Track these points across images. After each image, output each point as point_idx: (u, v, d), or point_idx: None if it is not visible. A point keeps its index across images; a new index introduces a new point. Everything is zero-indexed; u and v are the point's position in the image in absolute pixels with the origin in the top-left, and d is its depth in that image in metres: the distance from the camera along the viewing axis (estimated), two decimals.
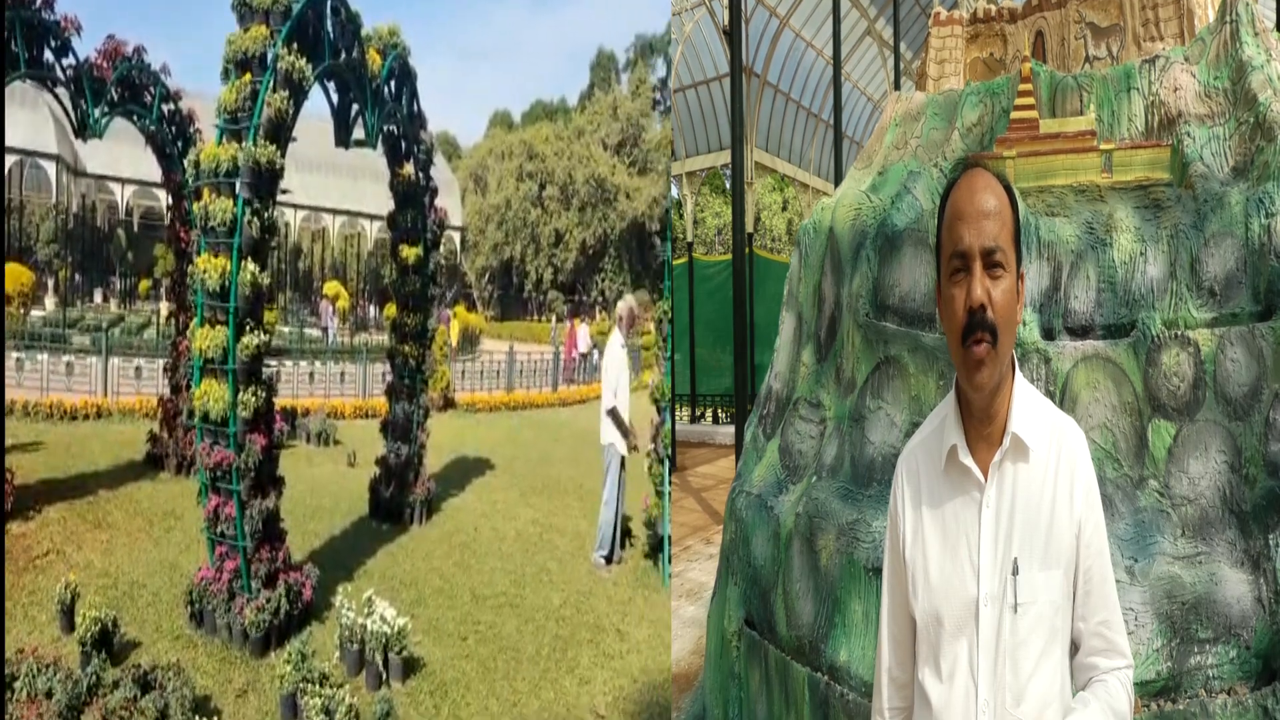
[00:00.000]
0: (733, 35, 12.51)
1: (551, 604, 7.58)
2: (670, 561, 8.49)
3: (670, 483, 8.49)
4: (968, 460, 2.05)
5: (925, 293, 4.07)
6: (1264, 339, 3.48)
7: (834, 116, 16.98)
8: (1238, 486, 3.42)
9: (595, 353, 24.99)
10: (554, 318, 42.54)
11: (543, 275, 48.05)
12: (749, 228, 20.99)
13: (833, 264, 4.58)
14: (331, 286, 31.65)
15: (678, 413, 21.46)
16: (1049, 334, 3.81)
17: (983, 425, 2.05)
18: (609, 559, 8.47)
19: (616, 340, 8.62)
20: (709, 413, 23.21)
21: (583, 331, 26.36)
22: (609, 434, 8.45)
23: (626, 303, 8.73)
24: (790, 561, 4.11)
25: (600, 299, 47.40)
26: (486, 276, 48.78)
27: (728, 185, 33.61)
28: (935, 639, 2.06)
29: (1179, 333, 3.62)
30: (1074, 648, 2.08)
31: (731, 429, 17.55)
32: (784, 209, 37.09)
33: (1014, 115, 4.25)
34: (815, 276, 4.74)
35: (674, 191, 24.28)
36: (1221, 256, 3.64)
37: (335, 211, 34.69)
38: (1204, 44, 4.18)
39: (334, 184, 33.44)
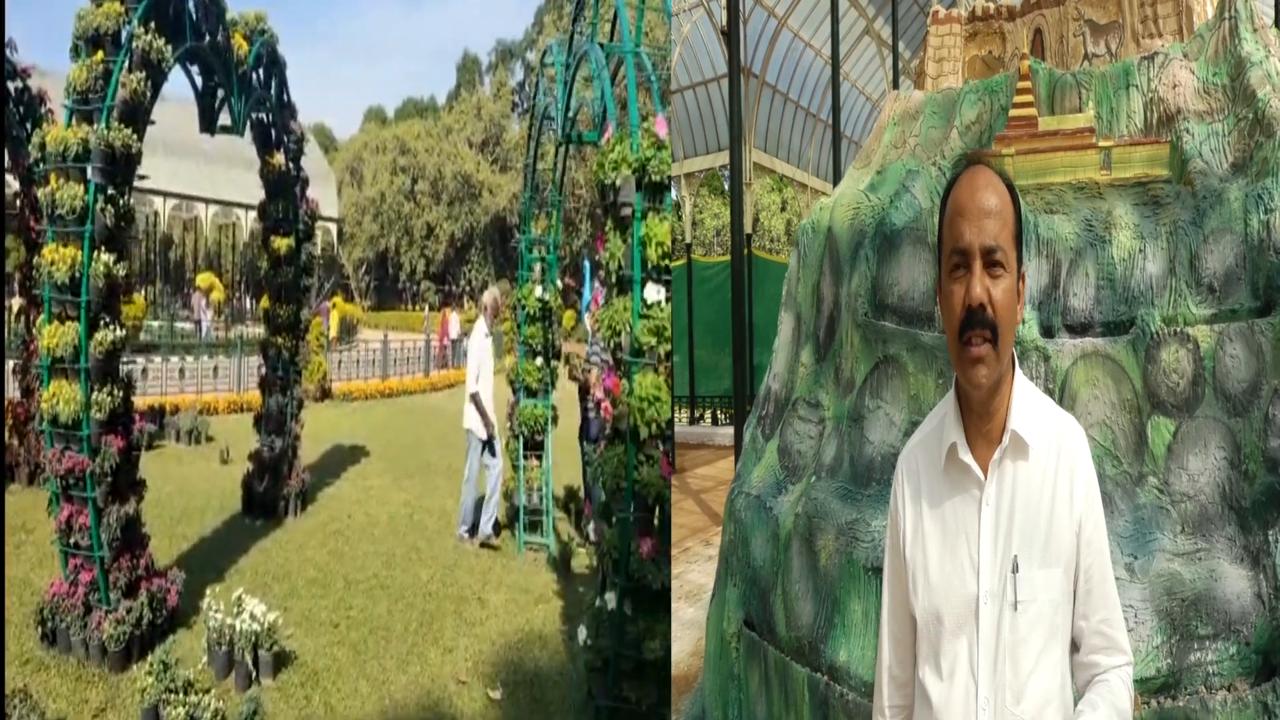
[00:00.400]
0: (731, 36, 12.50)
1: (420, 581, 7.95)
2: (525, 530, 9.11)
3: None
4: (967, 458, 2.05)
5: (924, 292, 4.07)
6: (1263, 335, 3.48)
7: (832, 116, 16.98)
8: (1237, 483, 3.42)
9: (465, 339, 25.66)
10: (426, 307, 43.67)
11: (415, 266, 49.81)
12: (747, 228, 21.02)
13: (831, 264, 4.57)
14: (205, 278, 30.99)
15: (676, 414, 21.44)
16: (1048, 331, 3.81)
17: (982, 423, 2.05)
18: (472, 533, 9.04)
19: (481, 329, 9.15)
20: (708, 414, 23.20)
21: (453, 319, 27.82)
22: (471, 419, 8.89)
23: (491, 293, 9.24)
24: (789, 562, 4.10)
25: (468, 288, 49.16)
26: (363, 267, 50.68)
27: (726, 186, 33.62)
28: (935, 637, 2.06)
29: (1178, 329, 3.61)
30: (1074, 645, 2.09)
31: (730, 430, 17.54)
32: (783, 209, 37.12)
33: (1013, 113, 4.24)
34: (814, 276, 4.73)
35: (673, 193, 24.27)
36: (1221, 253, 3.64)
37: (208, 200, 33.07)
38: (1203, 40, 4.18)
39: (207, 172, 31.88)
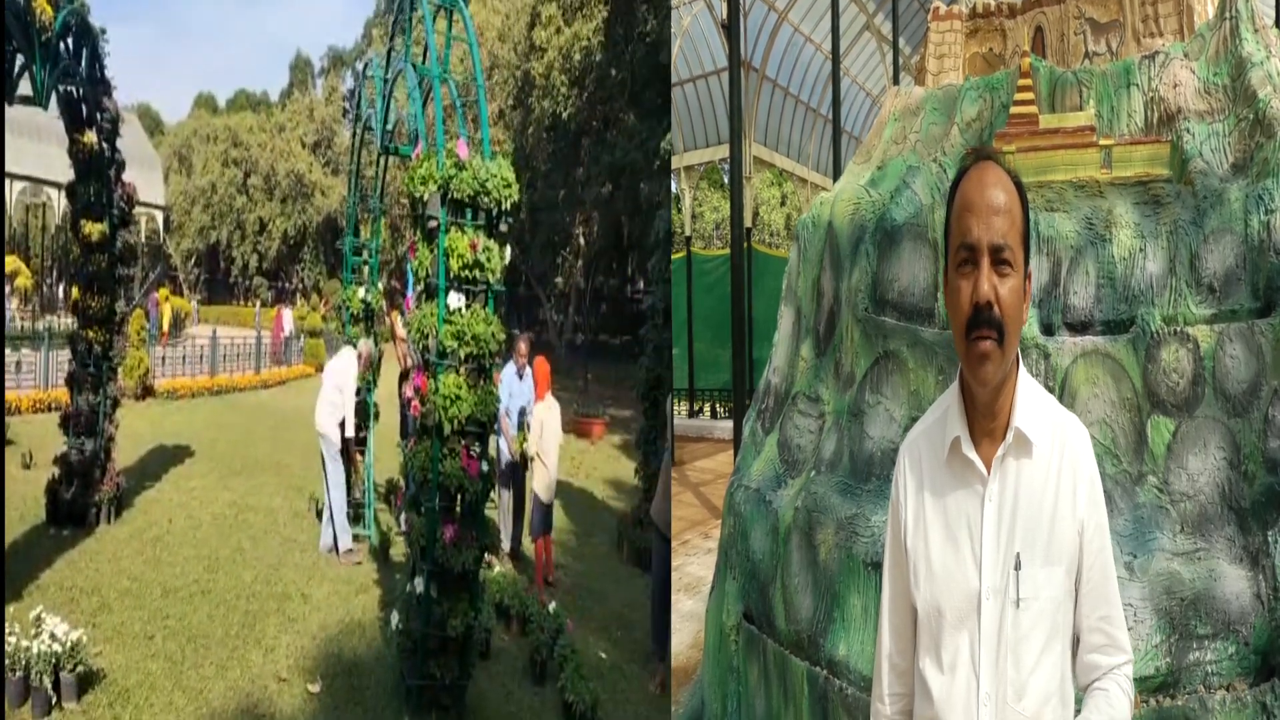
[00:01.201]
0: (731, 29, 12.50)
1: (244, 582, 7.73)
2: (349, 522, 8.91)
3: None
4: (971, 453, 2.05)
5: (924, 288, 4.07)
6: (1263, 336, 3.48)
7: (833, 111, 16.96)
8: (1237, 483, 3.42)
9: (303, 337, 26.30)
10: (259, 303, 43.11)
11: (248, 261, 48.74)
12: (747, 222, 20.99)
13: (831, 259, 4.57)
14: (10, 262, 27.63)
15: (676, 407, 21.44)
16: (1048, 329, 3.81)
17: (986, 419, 2.06)
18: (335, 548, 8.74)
19: (351, 367, 8.91)
20: (707, 407, 23.19)
21: (287, 316, 27.49)
22: (325, 423, 8.67)
23: (366, 346, 9.07)
24: (789, 556, 4.11)
25: (301, 286, 48.56)
26: (193, 259, 49.61)
27: (726, 179, 33.58)
28: (936, 629, 2.07)
29: (1178, 329, 3.61)
30: (1075, 642, 2.09)
31: (729, 423, 17.54)
32: (782, 204, 37.06)
33: (1013, 110, 4.24)
34: (814, 271, 4.74)
35: (673, 185, 24.24)
36: (1221, 253, 3.64)
37: (14, 176, 28.69)
38: (1203, 40, 4.18)
39: (12, 145, 27.10)
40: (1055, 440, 2.05)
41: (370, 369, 9.19)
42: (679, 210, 24.35)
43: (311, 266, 49.00)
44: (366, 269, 9.62)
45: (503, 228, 5.79)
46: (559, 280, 33.34)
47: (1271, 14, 13.76)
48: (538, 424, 8.66)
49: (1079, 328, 3.81)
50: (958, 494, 2.08)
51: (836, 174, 16.52)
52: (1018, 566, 1.99)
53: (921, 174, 4.42)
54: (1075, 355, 3.69)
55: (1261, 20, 4.09)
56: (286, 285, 49.93)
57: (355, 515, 9.19)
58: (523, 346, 9.47)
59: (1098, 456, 2.31)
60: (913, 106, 4.94)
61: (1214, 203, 3.71)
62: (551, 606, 7.25)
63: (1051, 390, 3.57)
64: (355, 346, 9.21)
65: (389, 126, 8.17)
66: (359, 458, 9.44)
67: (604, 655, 7.21)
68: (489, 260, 5.66)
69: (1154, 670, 3.18)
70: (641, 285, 32.87)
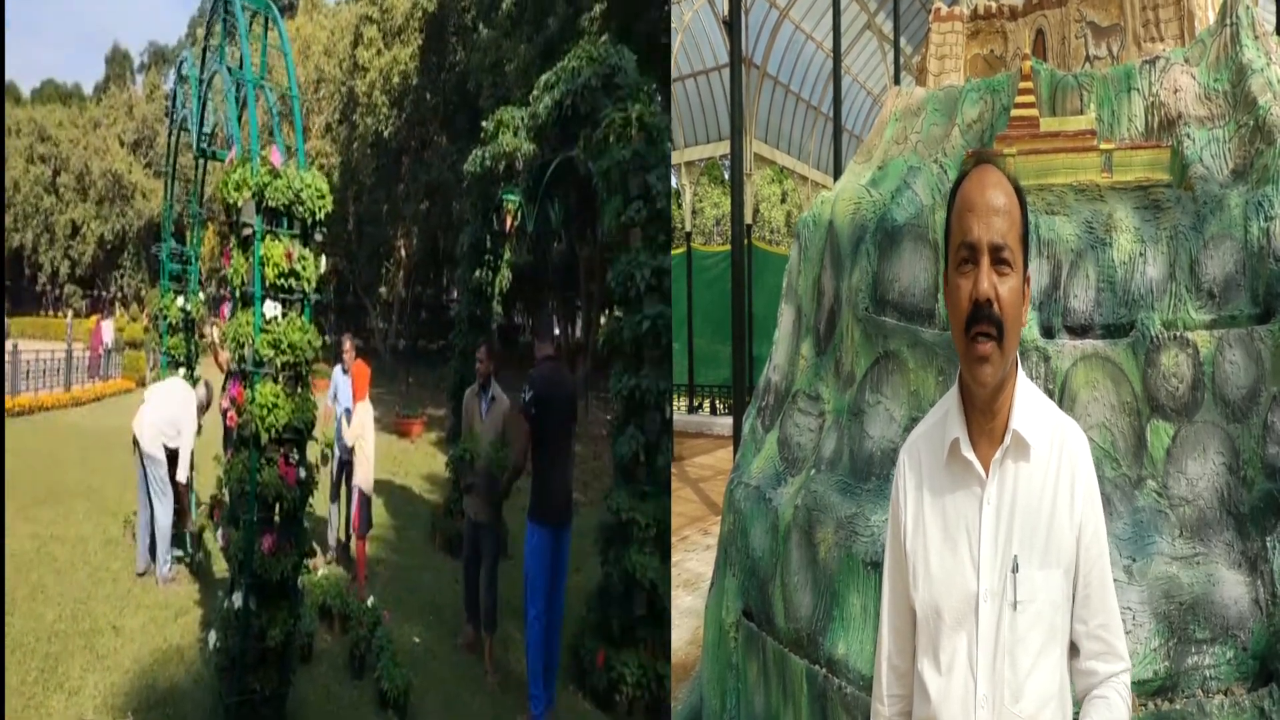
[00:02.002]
0: (732, 26, 12.49)
1: (44, 623, 7.05)
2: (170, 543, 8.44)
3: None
4: (970, 455, 2.06)
5: (925, 288, 4.08)
6: (1262, 342, 3.49)
7: (834, 109, 16.95)
8: (1235, 488, 3.43)
9: (125, 349, 25.10)
10: (71, 313, 40.28)
11: (59, 268, 46.10)
12: (747, 219, 20.98)
13: (832, 257, 4.58)
14: None
15: (675, 403, 21.45)
16: (1048, 332, 3.81)
17: (985, 420, 2.07)
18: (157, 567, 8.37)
19: (190, 405, 8.63)
20: (706, 403, 23.19)
21: (106, 327, 26.00)
22: (153, 446, 8.29)
23: (204, 389, 8.84)
24: (788, 554, 4.12)
25: (120, 295, 46.27)
26: None
27: (726, 176, 33.56)
28: (935, 631, 2.08)
29: (1178, 334, 3.61)
30: (1072, 649, 2.10)
31: (729, 420, 17.56)
32: (783, 201, 37.07)
33: (1014, 113, 4.24)
34: (814, 269, 4.74)
35: (673, 181, 24.27)
36: (1220, 259, 3.65)
37: None
38: (1204, 46, 4.18)
39: None
40: (1053, 443, 2.06)
41: (208, 406, 8.82)
42: (679, 206, 24.36)
43: (132, 274, 46.40)
44: (187, 277, 9.29)
45: (318, 237, 5.71)
46: (383, 290, 34.10)
47: (1272, 20, 13.77)
48: (358, 422, 8.62)
49: (1079, 331, 3.81)
50: (956, 496, 2.09)
51: (837, 172, 16.52)
52: (1015, 569, 2.00)
53: (922, 174, 4.42)
54: (1075, 358, 3.69)
55: (1262, 27, 4.09)
56: (104, 294, 46.99)
57: (177, 536, 8.72)
58: (348, 344, 9.38)
59: (1097, 460, 2.33)
60: (914, 107, 4.94)
61: (1214, 208, 3.72)
62: (370, 601, 7.24)
63: (1051, 393, 3.58)
64: (192, 375, 8.92)
65: (207, 129, 7.97)
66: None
67: (418, 640, 7.26)
68: (305, 269, 5.57)
69: (1152, 674, 3.18)
70: (455, 295, 33.48)
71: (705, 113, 23.91)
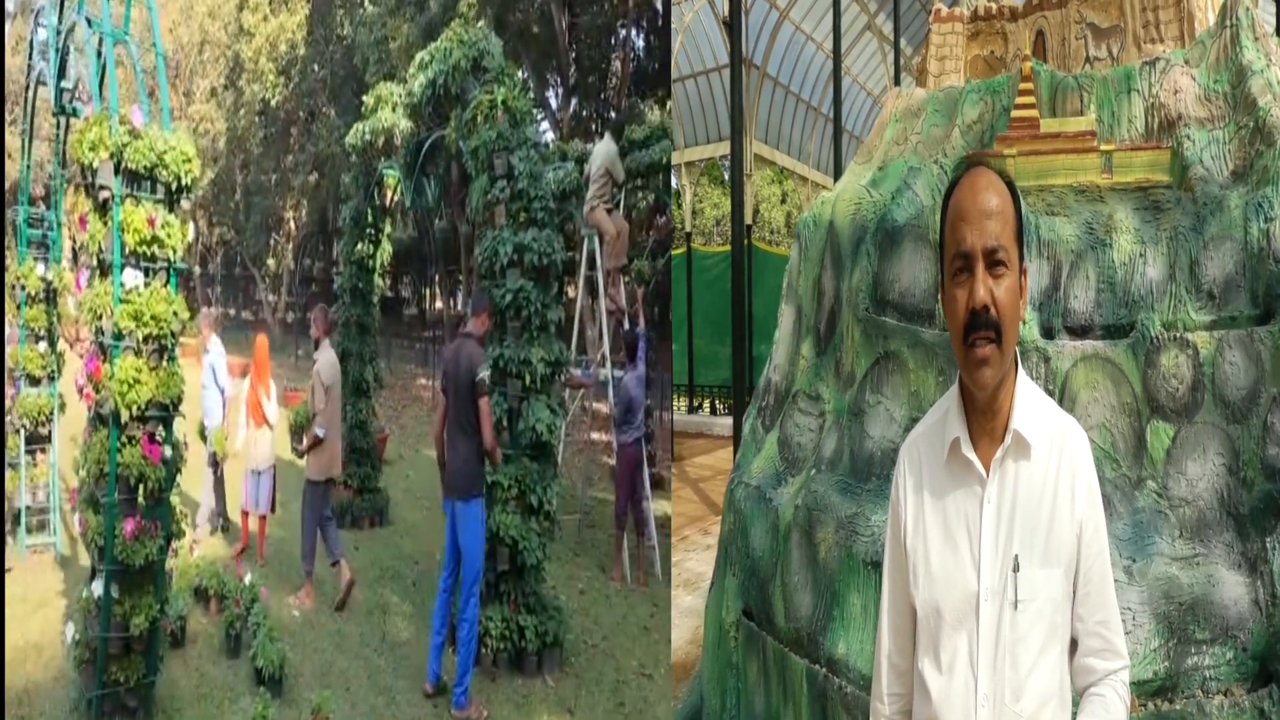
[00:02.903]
0: (733, 26, 12.50)
1: None
2: (30, 531, 8.30)
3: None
4: (970, 454, 2.06)
5: (925, 289, 4.08)
6: (1262, 343, 3.49)
7: (834, 110, 16.95)
8: (1235, 489, 3.43)
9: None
10: None
11: None
12: (747, 219, 20.99)
13: (832, 258, 4.58)
14: None
15: (675, 403, 21.46)
16: (1048, 333, 3.80)
17: (985, 420, 2.07)
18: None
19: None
20: (706, 403, 23.18)
21: None
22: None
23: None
24: (789, 553, 4.12)
25: None
26: None
27: (726, 176, 33.54)
28: (935, 630, 2.08)
29: (1178, 335, 3.61)
30: (1072, 645, 2.10)
31: (729, 420, 17.54)
32: (783, 201, 37.03)
33: (1014, 114, 4.24)
34: (815, 270, 4.74)
35: (673, 181, 24.27)
36: (1220, 260, 3.64)
37: None
38: (1204, 47, 4.18)
39: None
40: (1054, 442, 2.06)
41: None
42: (679, 206, 24.34)
43: None
44: (50, 243, 8.75)
45: (184, 204, 5.52)
46: (271, 262, 33.07)
47: (1272, 22, 13.78)
48: (271, 404, 8.50)
49: (1079, 331, 3.81)
50: (957, 495, 2.09)
51: (837, 173, 16.53)
52: (1016, 568, 2.01)
53: (923, 175, 4.42)
54: (1075, 359, 3.69)
55: (1262, 28, 4.09)
56: None
57: (41, 523, 8.44)
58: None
59: (1097, 460, 2.32)
60: (914, 107, 4.94)
61: (1214, 209, 3.71)
62: (247, 579, 7.18)
63: (1051, 393, 3.57)
64: (54, 350, 8.52)
65: (68, 85, 7.50)
66: (42, 455, 8.67)
67: (297, 614, 7.29)
68: (169, 236, 5.37)
69: (1152, 674, 3.18)
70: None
71: (705, 113, 23.91)
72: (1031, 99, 4.24)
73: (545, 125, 26.73)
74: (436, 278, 28.21)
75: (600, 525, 9.80)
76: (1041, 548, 2.01)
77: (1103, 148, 4.00)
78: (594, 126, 22.49)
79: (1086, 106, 4.26)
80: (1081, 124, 4.12)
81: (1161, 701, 3.17)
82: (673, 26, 20.85)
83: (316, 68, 28.14)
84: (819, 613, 3.88)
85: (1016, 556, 2.01)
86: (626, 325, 9.40)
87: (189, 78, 29.72)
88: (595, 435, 12.54)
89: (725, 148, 22.71)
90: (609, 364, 9.53)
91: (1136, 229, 3.84)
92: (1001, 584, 2.01)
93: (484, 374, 5.79)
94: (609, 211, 9.32)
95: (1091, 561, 2.06)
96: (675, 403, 21.45)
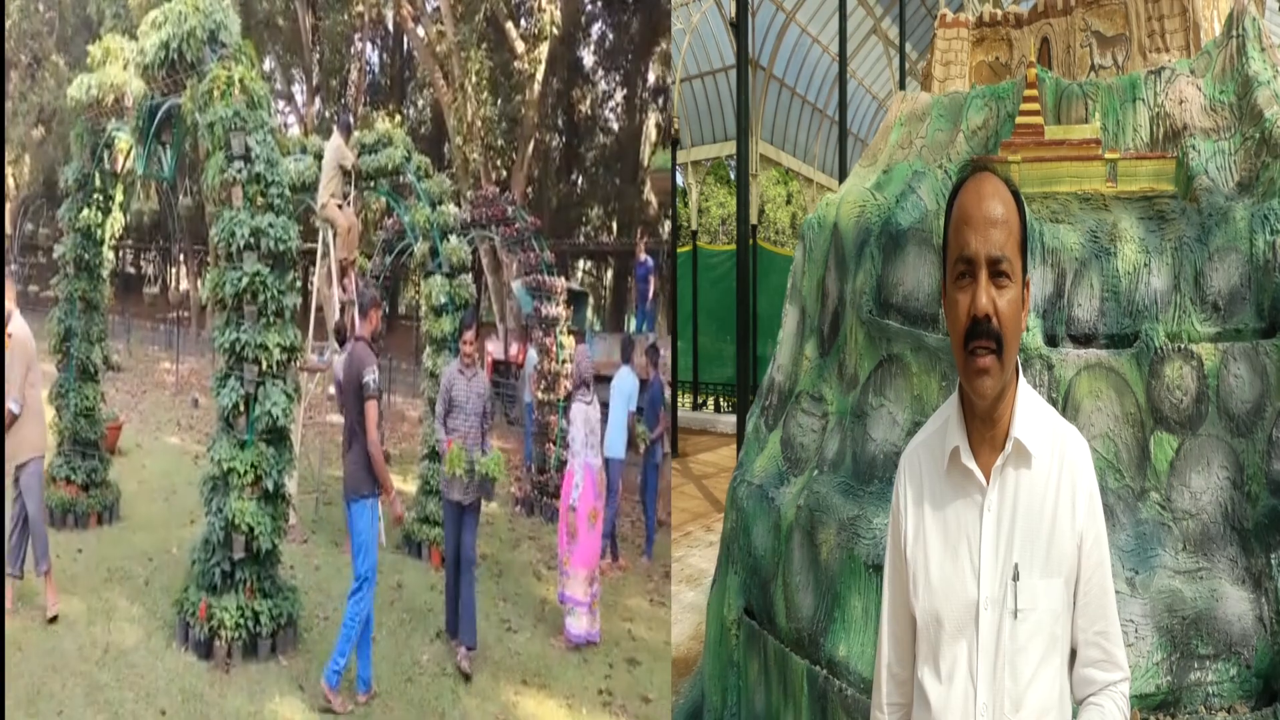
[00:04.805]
0: (739, 28, 12.45)
1: None
2: None
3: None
4: (970, 463, 2.03)
5: (929, 293, 4.04)
6: (1268, 357, 3.44)
7: (839, 113, 16.89)
8: (1240, 503, 3.38)
9: None
10: None
11: None
12: (753, 219, 20.95)
13: (837, 260, 4.55)
14: None
15: (680, 399, 21.43)
16: (1052, 340, 3.76)
17: (986, 428, 2.03)
18: None
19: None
20: (710, 401, 23.14)
21: None
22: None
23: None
24: (790, 554, 4.09)
25: None
26: None
27: (732, 176, 33.50)
28: (935, 639, 2.04)
29: (1182, 346, 3.56)
30: (1072, 656, 2.07)
31: (732, 418, 17.51)
32: (788, 202, 36.98)
33: (1019, 120, 4.21)
34: (819, 271, 4.71)
35: (679, 180, 24.28)
36: (1226, 271, 3.59)
37: None
38: (1210, 57, 4.14)
39: None
40: (1055, 451, 2.03)
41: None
42: (685, 204, 24.30)
43: None
44: None
45: None
46: None
47: (1279, 33, 13.71)
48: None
49: (1082, 340, 3.77)
50: (957, 504, 2.06)
51: (842, 175, 16.49)
52: (1015, 577, 1.97)
53: (927, 179, 4.39)
54: (1079, 367, 3.65)
55: (1268, 39, 4.04)
56: None
57: None
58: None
59: (1100, 470, 2.29)
60: (919, 112, 4.91)
61: (1219, 221, 3.67)
62: None
63: (1054, 402, 3.53)
64: None
65: None
66: None
67: None
68: None
69: (1154, 688, 3.14)
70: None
71: (712, 113, 23.84)
72: (1036, 106, 4.21)
73: (291, 119, 26.26)
74: (182, 257, 26.52)
75: (336, 503, 9.28)
76: (1042, 557, 1.98)
77: (1107, 156, 3.96)
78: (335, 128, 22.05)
79: (1091, 114, 4.23)
80: (1086, 132, 4.08)
81: (1164, 716, 3.13)
82: (680, 27, 20.80)
83: (42, 8, 26.09)
84: (820, 614, 3.85)
85: (1016, 566, 1.97)
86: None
87: None
88: (334, 418, 12.05)
89: (731, 147, 22.65)
90: (341, 351, 9.45)
91: (1141, 238, 3.80)
92: (1001, 593, 1.98)
93: (369, 377, 5.70)
94: (340, 207, 9.32)
95: (1091, 572, 2.03)
96: (680, 399, 21.42)
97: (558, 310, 10.78)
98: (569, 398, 9.83)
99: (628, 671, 6.48)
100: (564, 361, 10.75)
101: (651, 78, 24.42)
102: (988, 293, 1.92)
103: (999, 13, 5.59)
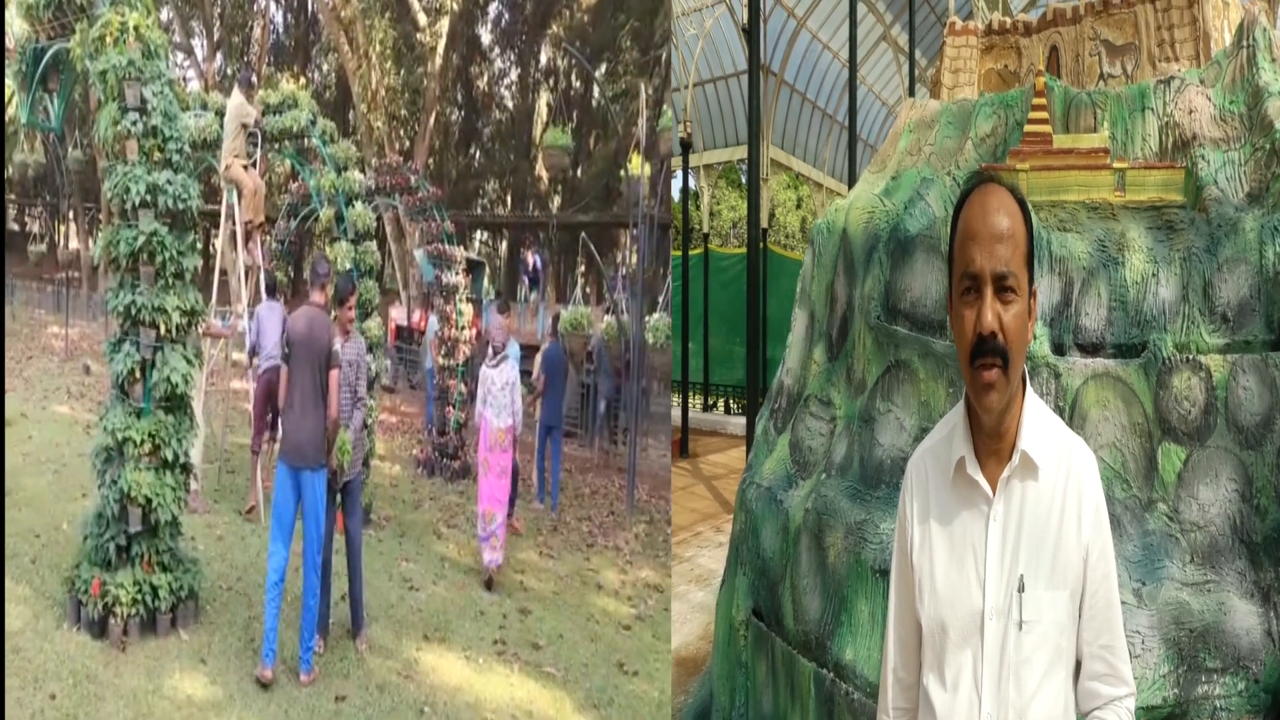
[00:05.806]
0: (751, 34, 12.44)
1: None
2: None
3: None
4: (976, 474, 2.00)
5: (936, 299, 4.01)
6: (1277, 369, 3.38)
7: (849, 118, 16.85)
8: (1248, 516, 3.33)
9: None
10: None
11: None
12: (763, 223, 20.93)
13: (845, 265, 4.52)
14: None
15: (690, 400, 21.41)
16: (1059, 349, 3.72)
17: (992, 440, 2.01)
18: None
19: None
20: (721, 402, 23.12)
21: None
22: None
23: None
24: (798, 556, 4.07)
25: None
26: None
27: (743, 180, 33.48)
28: (940, 646, 2.02)
29: (1190, 357, 3.51)
30: (1077, 669, 2.04)
31: (742, 420, 17.49)
32: (798, 206, 36.96)
33: (1027, 129, 4.17)
34: (828, 276, 4.69)
35: (691, 183, 24.23)
36: (1235, 282, 3.54)
37: None
38: (1220, 67, 4.09)
39: None
40: (1061, 463, 2.00)
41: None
42: (698, 208, 24.30)
43: None
44: None
45: None
46: None
47: None
48: None
49: (1090, 349, 3.73)
50: (963, 514, 2.04)
51: (851, 180, 16.45)
52: (1021, 588, 1.95)
53: (935, 186, 4.36)
54: (1086, 377, 3.61)
55: (1279, 49, 4.01)
56: None
57: None
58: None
59: (1107, 481, 2.26)
60: (928, 119, 4.88)
61: (1228, 231, 3.61)
62: None
63: (1061, 411, 3.50)
64: None
65: None
66: None
67: None
68: None
69: (1161, 700, 3.09)
70: None
71: (724, 117, 23.82)
72: (1045, 114, 4.17)
73: (191, 74, 26.01)
74: (71, 214, 25.12)
75: (239, 471, 9.36)
76: (1047, 569, 1.96)
77: (1116, 165, 3.92)
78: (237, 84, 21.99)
79: (1100, 123, 4.19)
80: (1095, 141, 4.04)
81: None
82: (693, 32, 20.80)
83: None
84: (827, 617, 3.83)
85: (1022, 577, 1.95)
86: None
87: None
88: (237, 385, 12.03)
89: (743, 152, 22.63)
90: (247, 315, 9.01)
91: (1149, 248, 3.75)
92: (1006, 604, 1.95)
93: (338, 347, 5.66)
94: (245, 169, 9.10)
95: (1097, 585, 2.00)
96: (690, 401, 21.39)
97: (457, 278, 10.90)
98: (468, 362, 10.55)
99: (520, 621, 6.69)
100: (463, 328, 10.91)
101: (544, 59, 24.71)
102: (993, 309, 1.89)
103: (1008, 21, 5.55)
